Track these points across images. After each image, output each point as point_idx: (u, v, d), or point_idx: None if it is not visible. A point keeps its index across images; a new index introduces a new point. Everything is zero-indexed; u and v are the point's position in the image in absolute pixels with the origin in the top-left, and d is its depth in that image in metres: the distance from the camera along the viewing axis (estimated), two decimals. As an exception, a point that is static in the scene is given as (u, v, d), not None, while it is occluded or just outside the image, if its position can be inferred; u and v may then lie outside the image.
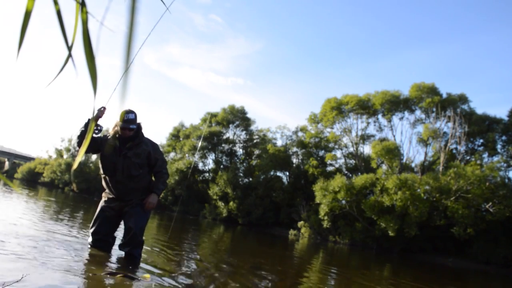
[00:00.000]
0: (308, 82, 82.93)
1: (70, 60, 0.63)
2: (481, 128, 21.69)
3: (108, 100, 3.83)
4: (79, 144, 3.91)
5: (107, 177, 4.08)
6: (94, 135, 3.95)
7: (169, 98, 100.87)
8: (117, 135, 3.96)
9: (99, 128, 3.85)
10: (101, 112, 3.79)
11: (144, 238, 4.16)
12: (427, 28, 66.23)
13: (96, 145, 3.99)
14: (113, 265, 3.69)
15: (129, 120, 3.89)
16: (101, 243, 4.13)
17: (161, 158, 4.15)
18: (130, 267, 3.73)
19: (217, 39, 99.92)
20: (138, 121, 4.00)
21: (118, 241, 4.35)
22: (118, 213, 4.16)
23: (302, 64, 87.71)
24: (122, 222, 4.29)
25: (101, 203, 4.23)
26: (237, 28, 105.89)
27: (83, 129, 3.88)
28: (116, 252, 4.22)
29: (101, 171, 4.11)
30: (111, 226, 4.18)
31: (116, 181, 4.03)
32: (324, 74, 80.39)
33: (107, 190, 4.19)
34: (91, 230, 4.17)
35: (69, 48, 0.62)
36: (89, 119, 3.82)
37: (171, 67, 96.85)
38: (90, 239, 4.19)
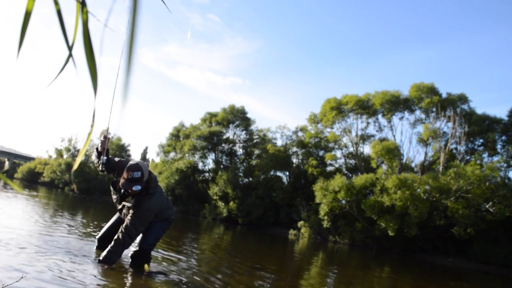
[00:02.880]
0: (307, 82, 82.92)
1: (70, 60, 0.63)
2: (481, 128, 21.69)
3: (108, 127, 3.51)
4: (100, 165, 3.79)
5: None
6: (101, 166, 3.69)
7: (168, 98, 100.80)
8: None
9: (103, 162, 3.62)
10: (103, 143, 3.63)
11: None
12: (426, 27, 66.26)
13: (113, 168, 3.82)
14: (116, 265, 3.68)
15: (133, 180, 3.39)
16: (106, 239, 4.07)
17: (130, 221, 3.53)
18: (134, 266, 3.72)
19: (215, 38, 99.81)
20: (146, 176, 3.49)
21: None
22: None
23: (301, 63, 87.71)
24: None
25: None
26: (235, 27, 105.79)
27: (96, 153, 3.78)
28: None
29: None
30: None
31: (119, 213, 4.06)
32: (324, 74, 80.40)
33: None
34: (103, 228, 4.19)
35: (70, 48, 0.62)
36: (98, 151, 3.70)
37: (169, 67, 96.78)
38: (97, 236, 4.22)
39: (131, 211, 3.61)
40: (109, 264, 3.47)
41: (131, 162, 3.54)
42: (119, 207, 3.87)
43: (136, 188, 3.40)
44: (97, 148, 3.73)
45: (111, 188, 3.89)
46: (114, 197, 3.90)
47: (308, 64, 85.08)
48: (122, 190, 3.67)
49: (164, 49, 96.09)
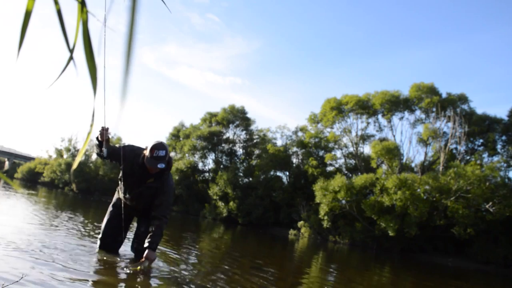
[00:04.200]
0: (307, 82, 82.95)
1: (71, 60, 0.63)
2: (481, 128, 21.70)
3: (104, 119, 3.30)
4: (99, 154, 3.78)
5: (122, 188, 3.99)
6: (104, 157, 3.68)
7: (168, 98, 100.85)
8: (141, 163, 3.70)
9: (103, 155, 3.61)
10: (102, 135, 3.60)
11: None
12: (426, 27, 66.25)
13: (117, 156, 3.74)
14: (117, 264, 3.68)
15: (158, 158, 3.51)
16: (108, 239, 4.03)
17: (166, 202, 3.72)
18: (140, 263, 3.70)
19: (215, 38, 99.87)
20: (168, 155, 3.62)
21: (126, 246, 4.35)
22: (131, 210, 4.07)
23: (301, 63, 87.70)
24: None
25: (114, 199, 4.17)
26: (234, 27, 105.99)
27: (97, 142, 3.71)
28: (126, 253, 4.21)
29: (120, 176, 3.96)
30: (121, 223, 4.02)
31: (129, 199, 3.94)
32: (324, 74, 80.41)
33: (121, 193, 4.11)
34: (102, 226, 4.08)
35: (71, 50, 0.62)
36: (98, 140, 3.66)
37: (169, 67, 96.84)
38: (99, 236, 4.11)
39: (159, 191, 3.70)
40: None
41: (155, 142, 3.59)
42: (136, 190, 3.79)
43: (161, 165, 3.49)
44: (97, 137, 3.69)
45: (122, 175, 3.84)
46: (124, 182, 3.86)
47: (308, 64, 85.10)
48: (146, 171, 3.69)
49: (163, 49, 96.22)
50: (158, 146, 3.52)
